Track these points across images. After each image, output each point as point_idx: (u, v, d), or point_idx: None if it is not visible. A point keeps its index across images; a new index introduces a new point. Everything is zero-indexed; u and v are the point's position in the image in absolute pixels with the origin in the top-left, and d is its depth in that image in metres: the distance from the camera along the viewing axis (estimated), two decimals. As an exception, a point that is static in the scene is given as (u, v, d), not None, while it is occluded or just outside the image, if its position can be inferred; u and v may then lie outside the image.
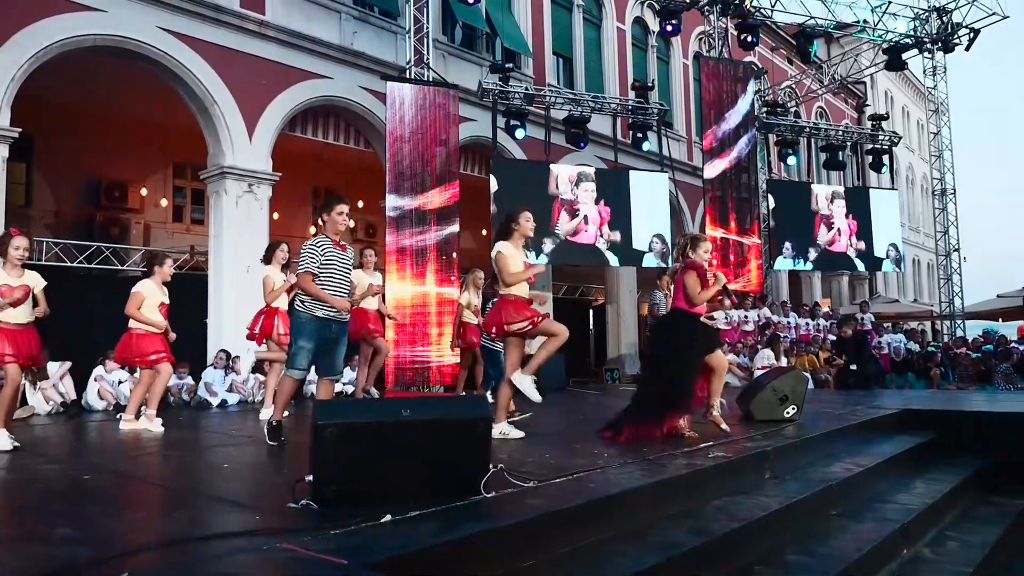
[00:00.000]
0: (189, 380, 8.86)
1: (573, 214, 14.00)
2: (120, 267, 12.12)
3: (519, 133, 13.80)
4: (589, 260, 14.74)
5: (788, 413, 5.49)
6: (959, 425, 5.77)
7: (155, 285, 6.31)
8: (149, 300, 6.20)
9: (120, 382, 8.25)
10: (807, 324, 12.84)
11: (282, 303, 6.73)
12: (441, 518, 2.63)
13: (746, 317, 13.11)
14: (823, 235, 15.64)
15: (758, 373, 10.69)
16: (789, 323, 12.90)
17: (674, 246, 5.54)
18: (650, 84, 14.97)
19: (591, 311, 20.55)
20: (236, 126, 11.55)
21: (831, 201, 15.88)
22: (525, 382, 4.66)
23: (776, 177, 16.82)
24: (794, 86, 23.25)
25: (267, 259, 6.95)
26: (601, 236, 14.16)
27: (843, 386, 9.69)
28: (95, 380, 8.25)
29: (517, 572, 2.50)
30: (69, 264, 11.36)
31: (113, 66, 11.09)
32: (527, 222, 5.05)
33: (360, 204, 17.86)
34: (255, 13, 11.80)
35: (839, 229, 15.77)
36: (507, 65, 13.56)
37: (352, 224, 18.15)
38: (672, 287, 5.86)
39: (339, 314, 4.89)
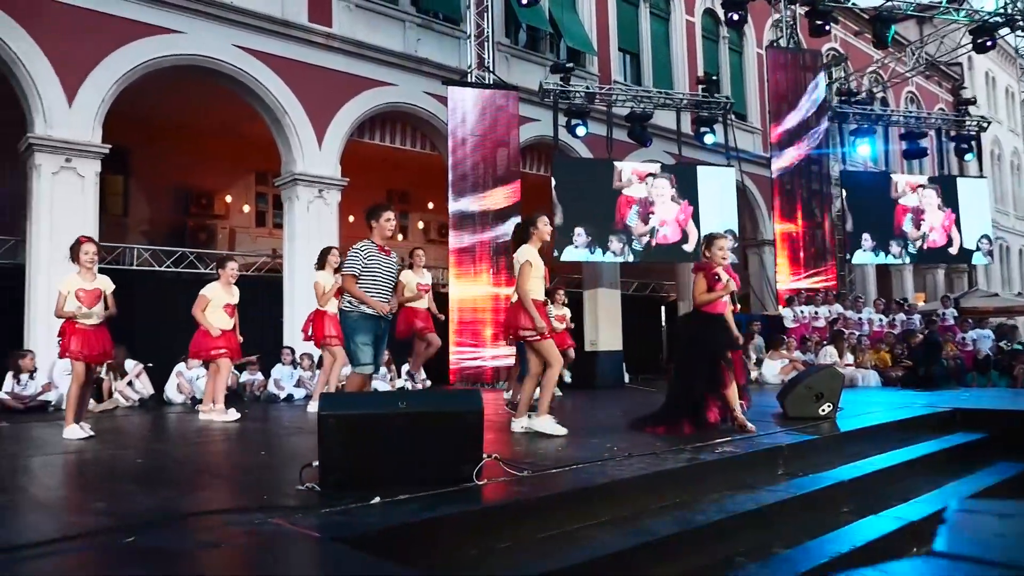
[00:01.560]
0: (259, 376, 9.44)
1: (647, 214, 13.92)
2: (204, 270, 12.93)
3: (580, 131, 13.88)
4: (671, 258, 14.58)
5: (823, 410, 5.43)
6: (1011, 425, 5.55)
7: (221, 287, 6.79)
8: (214, 302, 6.69)
9: (197, 377, 8.90)
10: (880, 320, 12.38)
11: (332, 307, 7.12)
12: (425, 501, 2.84)
13: (816, 313, 12.76)
14: (908, 227, 14.99)
15: (821, 370, 10.47)
16: (861, 319, 12.46)
17: (702, 247, 5.60)
18: (715, 77, 14.70)
19: (663, 307, 20.38)
20: (306, 135, 12.15)
21: (916, 191, 15.20)
22: (542, 424, 4.85)
23: (852, 168, 16.21)
24: (880, 71, 22.29)
25: (320, 264, 7.36)
26: (686, 233, 13.97)
27: (910, 386, 9.35)
28: (175, 375, 8.93)
29: (491, 552, 2.69)
30: (157, 268, 12.22)
31: (197, 82, 11.87)
32: (545, 227, 5.21)
33: (431, 205, 18.39)
34: (322, 26, 12.37)
35: (929, 220, 15.09)
36: (567, 65, 13.67)
37: (421, 226, 18.72)
38: None
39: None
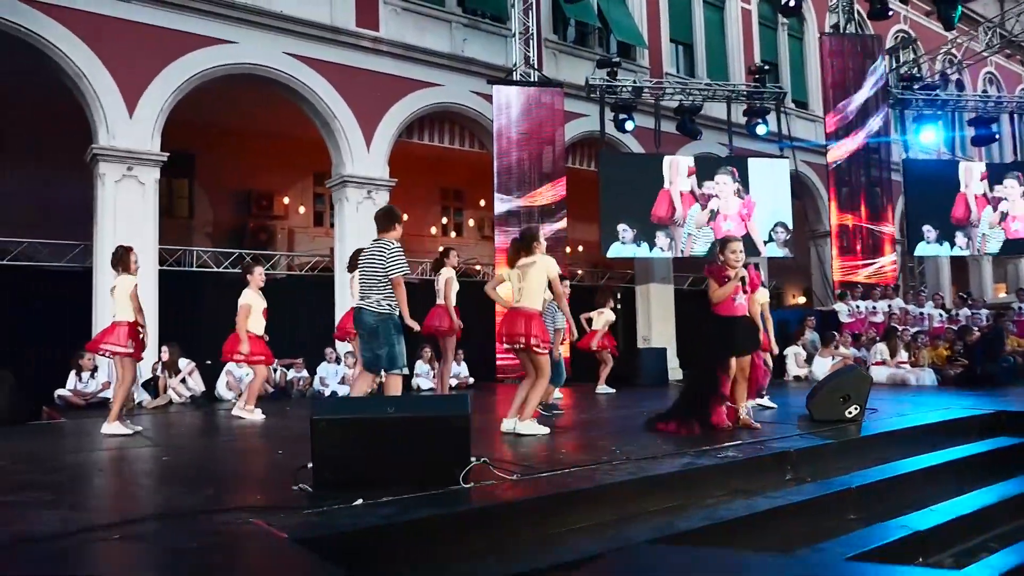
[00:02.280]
0: (304, 374, 9.77)
1: (705, 206, 13.73)
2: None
3: (628, 126, 13.76)
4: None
5: (850, 413, 5.29)
6: (1056, 429, 5.29)
7: (255, 292, 7.07)
8: (254, 308, 6.98)
9: (246, 374, 9.29)
10: (940, 315, 11.84)
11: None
12: (404, 504, 2.94)
13: (874, 308, 12.32)
14: (985, 217, 14.28)
15: (873, 369, 10.11)
16: (922, 315, 11.96)
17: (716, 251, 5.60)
18: (767, 66, 14.32)
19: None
20: (355, 137, 12.46)
21: (989, 179, 14.47)
22: (526, 427, 4.93)
23: (916, 156, 15.53)
24: (954, 51, 21.23)
25: (351, 267, 7.57)
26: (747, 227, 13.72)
27: (965, 385, 8.93)
28: (225, 373, 9.34)
29: (462, 554, 2.77)
30: (216, 269, 12.75)
31: (255, 88, 12.30)
32: (545, 240, 5.29)
33: (482, 203, 18.55)
34: (370, 30, 12.64)
35: (1005, 210, 14.35)
36: (614, 59, 13.57)
37: (472, 223, 18.89)
38: None
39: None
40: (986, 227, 14.21)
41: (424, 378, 10.40)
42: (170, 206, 16.48)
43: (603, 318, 9.86)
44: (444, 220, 18.81)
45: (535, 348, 4.98)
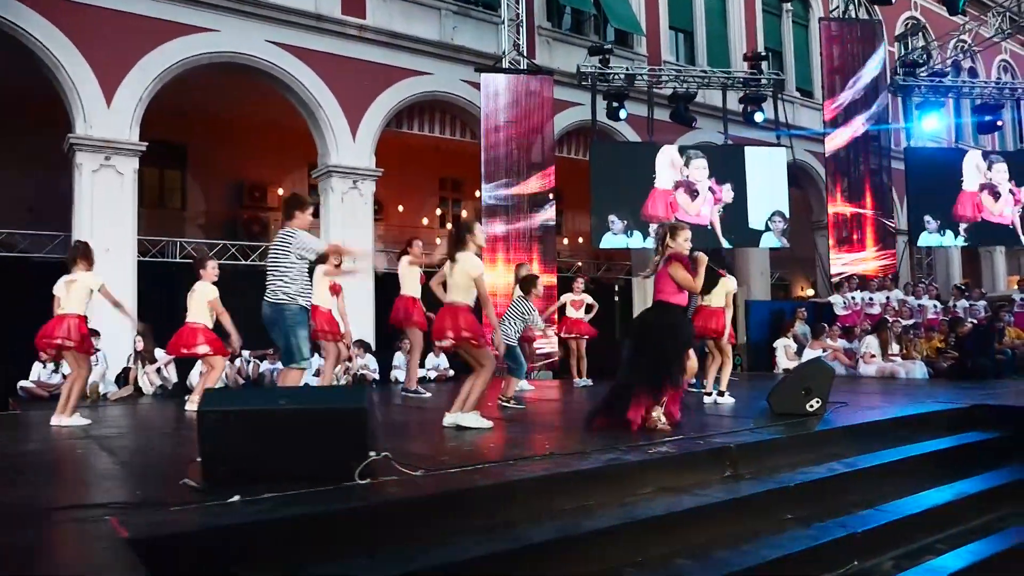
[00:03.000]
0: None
1: (693, 195, 13.53)
2: (245, 261, 13.27)
3: (621, 114, 13.48)
4: (700, 242, 14.13)
5: (811, 407, 5.04)
6: (1027, 424, 5.02)
7: (209, 286, 6.92)
8: (213, 299, 6.84)
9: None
10: (935, 307, 11.47)
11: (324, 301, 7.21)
12: (278, 502, 2.76)
13: (871, 299, 11.98)
14: (987, 205, 13.88)
15: (863, 366, 9.82)
16: (921, 306, 11.60)
17: (656, 237, 5.20)
18: (765, 53, 13.97)
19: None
20: (340, 127, 12.30)
21: (991, 167, 14.05)
22: (468, 419, 4.76)
23: (916, 145, 15.12)
24: (966, 38, 20.68)
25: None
26: (713, 216, 13.54)
27: (955, 379, 8.62)
28: (200, 364, 9.23)
29: (335, 554, 2.59)
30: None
31: (246, 78, 12.15)
32: (481, 234, 5.07)
33: (477, 194, 18.36)
34: (355, 18, 12.45)
35: (1004, 198, 13.95)
36: (605, 46, 13.28)
37: (464, 214, 18.69)
38: None
39: None
40: (982, 216, 13.83)
41: (401, 370, 10.24)
42: (162, 197, 16.46)
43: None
44: (438, 211, 18.59)
45: (470, 343, 4.79)
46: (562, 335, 9.12)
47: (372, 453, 3.15)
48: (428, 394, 7.83)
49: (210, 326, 6.78)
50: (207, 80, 12.10)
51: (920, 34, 20.97)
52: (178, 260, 12.27)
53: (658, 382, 4.54)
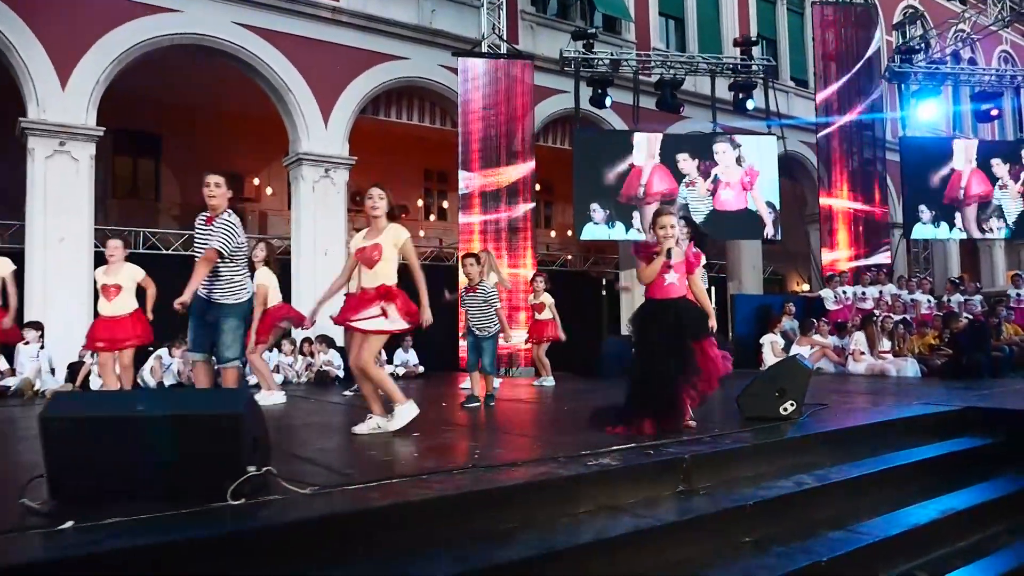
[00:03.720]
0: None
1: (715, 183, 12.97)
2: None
3: (605, 102, 12.97)
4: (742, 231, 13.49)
5: (785, 410, 4.58)
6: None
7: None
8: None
9: (177, 361, 8.74)
10: (928, 302, 11.00)
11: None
12: (121, 528, 2.30)
13: (863, 294, 11.51)
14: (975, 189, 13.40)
15: (852, 364, 9.36)
16: (915, 301, 11.13)
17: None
18: (756, 40, 13.45)
19: (712, 289, 19.20)
20: (311, 113, 11.81)
21: (988, 157, 13.58)
22: (399, 418, 4.34)
23: (913, 134, 14.62)
24: (964, 27, 20.17)
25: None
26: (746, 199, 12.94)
27: (948, 377, 8.15)
28: (153, 359, 8.79)
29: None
30: (165, 252, 12.20)
31: (222, 65, 11.66)
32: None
33: (463, 185, 17.88)
34: (329, 0, 11.94)
35: (1000, 188, 13.48)
36: (590, 30, 12.76)
37: (446, 205, 18.20)
38: None
39: None
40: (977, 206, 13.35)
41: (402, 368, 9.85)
42: (135, 187, 15.99)
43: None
44: (420, 202, 18.12)
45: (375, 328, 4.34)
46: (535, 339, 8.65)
47: (251, 468, 2.68)
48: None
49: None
50: (178, 65, 11.64)
51: (919, 22, 20.44)
52: (142, 251, 11.79)
53: (651, 391, 4.14)
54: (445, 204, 18.16)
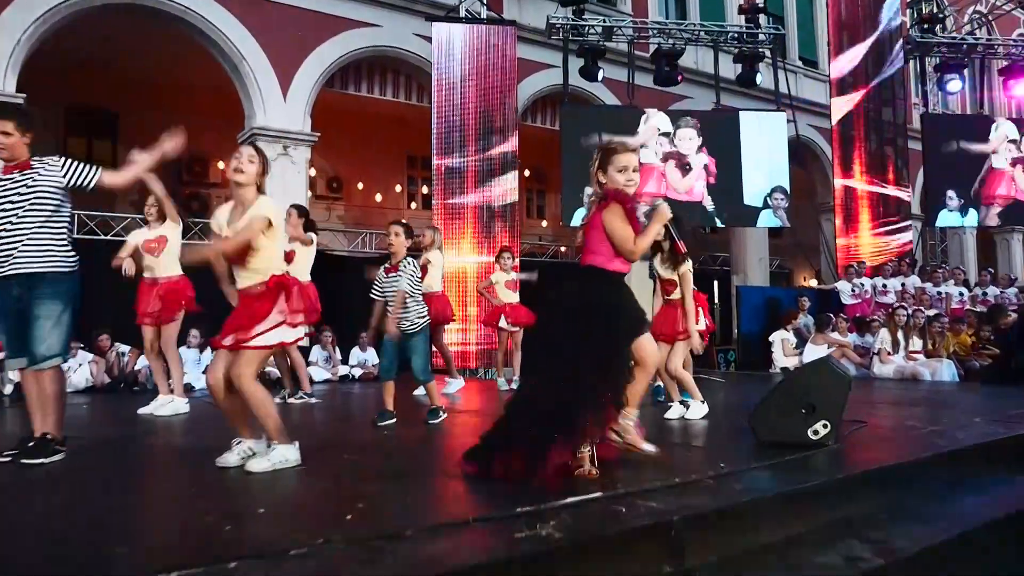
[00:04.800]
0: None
1: (684, 169, 11.83)
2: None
3: (597, 75, 11.73)
4: (693, 219, 12.39)
5: (816, 433, 3.35)
6: None
7: None
8: None
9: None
10: (960, 295, 9.77)
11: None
12: None
13: (885, 287, 10.28)
14: (1020, 183, 12.14)
15: (877, 365, 8.12)
16: (940, 294, 9.90)
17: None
18: (761, 5, 12.18)
19: (715, 282, 17.98)
20: (268, 84, 10.61)
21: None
22: (276, 455, 3.16)
23: (935, 111, 13.37)
24: (982, 8, 18.93)
25: None
26: (707, 192, 11.85)
27: (995, 381, 6.93)
28: (91, 363, 7.66)
29: None
30: (101, 237, 10.98)
31: (177, 33, 10.47)
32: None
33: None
34: (288, -42, 10.74)
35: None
36: (581, -5, 11.50)
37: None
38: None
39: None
40: (1012, 193, 12.08)
41: (319, 368, 8.57)
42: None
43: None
44: (399, 188, 16.92)
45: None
46: (501, 325, 7.34)
47: None
48: (314, 399, 6.22)
49: None
50: (130, 33, 10.49)
51: (934, 1, 19.22)
52: (76, 236, 10.56)
53: (593, 402, 2.85)
54: (427, 191, 16.94)
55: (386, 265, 4.80)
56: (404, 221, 5.05)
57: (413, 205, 16.83)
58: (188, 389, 7.43)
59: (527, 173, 16.19)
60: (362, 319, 8.63)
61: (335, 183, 16.67)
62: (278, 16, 10.66)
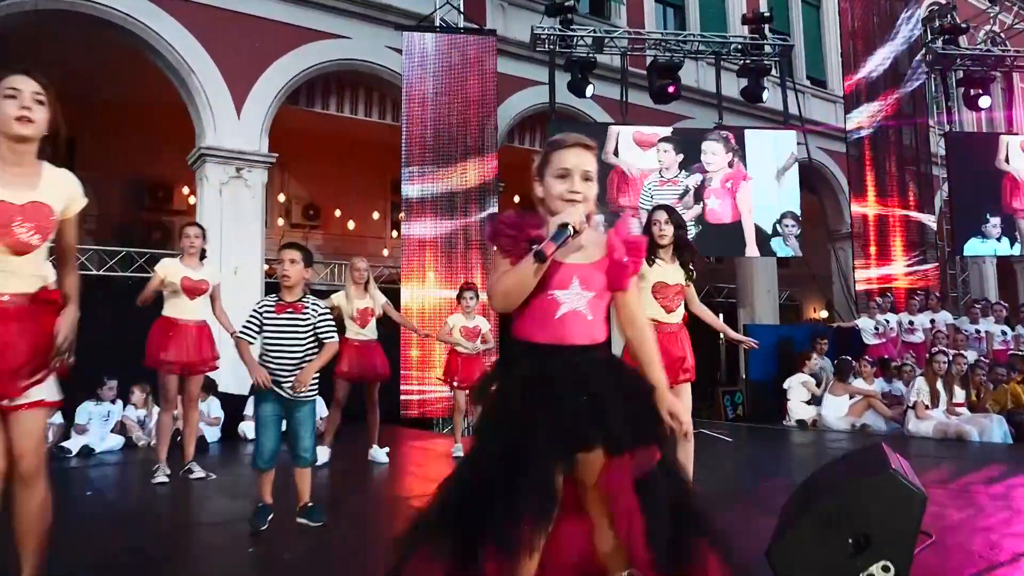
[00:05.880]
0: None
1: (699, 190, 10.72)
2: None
3: (588, 91, 10.66)
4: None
5: (871, 578, 2.15)
6: None
7: None
8: None
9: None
10: (1003, 334, 8.55)
11: None
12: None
13: (911, 324, 9.06)
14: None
15: (913, 421, 6.86)
16: (979, 333, 8.68)
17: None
18: (767, 14, 11.16)
19: (720, 316, 16.74)
20: (219, 100, 9.56)
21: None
22: None
23: (960, 129, 12.24)
24: (996, 28, 17.92)
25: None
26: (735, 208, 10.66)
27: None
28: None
29: None
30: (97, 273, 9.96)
31: (134, 51, 9.50)
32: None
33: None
34: (244, -38, 9.76)
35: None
36: (567, 3, 10.47)
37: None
38: None
39: None
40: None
41: (251, 423, 7.35)
42: (44, 197, 13.76)
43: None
44: (377, 215, 15.85)
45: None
46: (452, 383, 6.07)
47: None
48: (202, 474, 5.02)
49: None
50: (79, 52, 9.56)
51: (949, 18, 18.24)
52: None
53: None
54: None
55: (278, 300, 3.61)
56: (302, 244, 3.85)
57: (396, 233, 15.74)
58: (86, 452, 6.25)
59: (516, 199, 15.14)
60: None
61: (312, 210, 15.61)
62: (232, 25, 9.66)
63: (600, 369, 1.92)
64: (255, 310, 3.61)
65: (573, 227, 1.84)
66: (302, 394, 3.50)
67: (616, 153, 10.30)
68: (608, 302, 2.02)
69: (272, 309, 3.57)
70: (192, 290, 4.97)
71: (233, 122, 9.65)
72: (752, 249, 10.73)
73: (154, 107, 11.60)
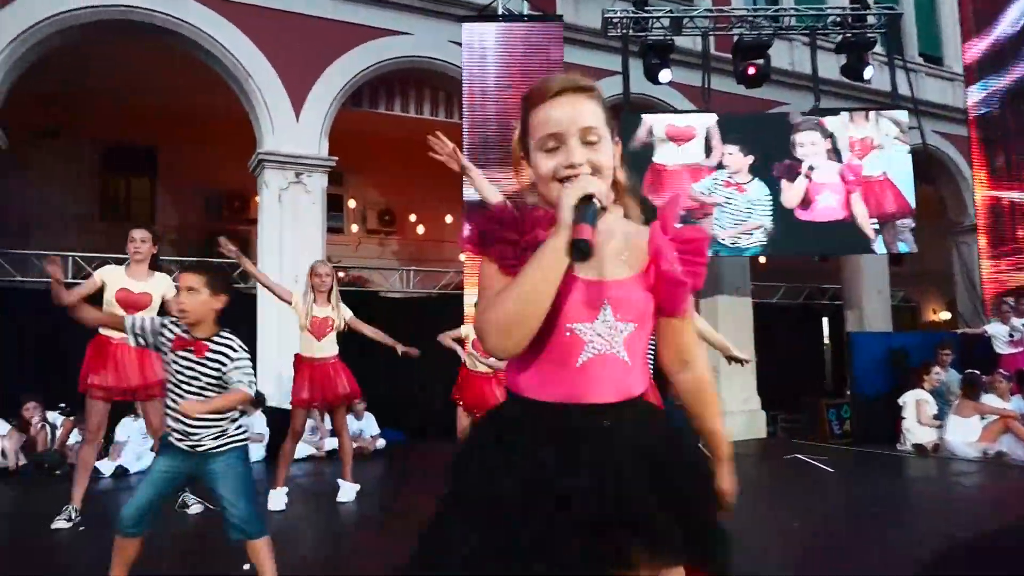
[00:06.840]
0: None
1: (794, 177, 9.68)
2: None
3: (663, 75, 9.78)
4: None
5: None
6: None
7: None
8: None
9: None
10: None
11: None
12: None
13: (1054, 330, 7.67)
14: None
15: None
16: None
17: None
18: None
19: (824, 319, 15.35)
20: (277, 103, 9.28)
21: None
22: None
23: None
24: None
25: None
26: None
27: None
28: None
29: None
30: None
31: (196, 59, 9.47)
32: None
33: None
34: (301, -39, 9.46)
35: None
36: (644, -17, 9.62)
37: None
38: None
39: None
40: None
41: (305, 440, 6.85)
42: (128, 209, 14.06)
43: None
44: (450, 219, 15.39)
45: None
46: (459, 402, 5.30)
47: None
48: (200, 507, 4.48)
49: None
50: (167, 71, 9.63)
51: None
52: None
53: None
54: (477, 220, 15.34)
55: (178, 331, 2.79)
56: (208, 265, 3.02)
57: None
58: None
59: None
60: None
61: (388, 216, 15.36)
62: (288, 26, 9.37)
63: (646, 445, 1.23)
64: (163, 323, 2.84)
65: (598, 201, 1.17)
66: (210, 449, 2.70)
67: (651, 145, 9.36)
68: (650, 332, 1.32)
69: (170, 341, 2.77)
70: (128, 303, 4.26)
71: (292, 126, 9.36)
72: (879, 246, 9.46)
73: (223, 116, 11.56)
